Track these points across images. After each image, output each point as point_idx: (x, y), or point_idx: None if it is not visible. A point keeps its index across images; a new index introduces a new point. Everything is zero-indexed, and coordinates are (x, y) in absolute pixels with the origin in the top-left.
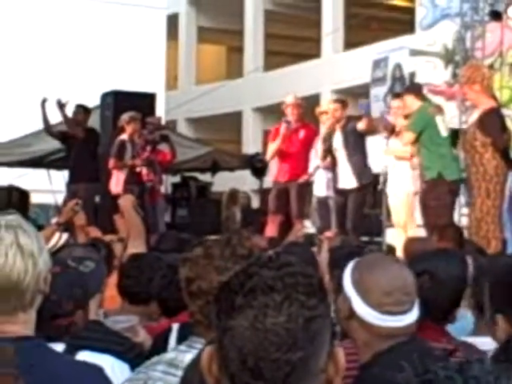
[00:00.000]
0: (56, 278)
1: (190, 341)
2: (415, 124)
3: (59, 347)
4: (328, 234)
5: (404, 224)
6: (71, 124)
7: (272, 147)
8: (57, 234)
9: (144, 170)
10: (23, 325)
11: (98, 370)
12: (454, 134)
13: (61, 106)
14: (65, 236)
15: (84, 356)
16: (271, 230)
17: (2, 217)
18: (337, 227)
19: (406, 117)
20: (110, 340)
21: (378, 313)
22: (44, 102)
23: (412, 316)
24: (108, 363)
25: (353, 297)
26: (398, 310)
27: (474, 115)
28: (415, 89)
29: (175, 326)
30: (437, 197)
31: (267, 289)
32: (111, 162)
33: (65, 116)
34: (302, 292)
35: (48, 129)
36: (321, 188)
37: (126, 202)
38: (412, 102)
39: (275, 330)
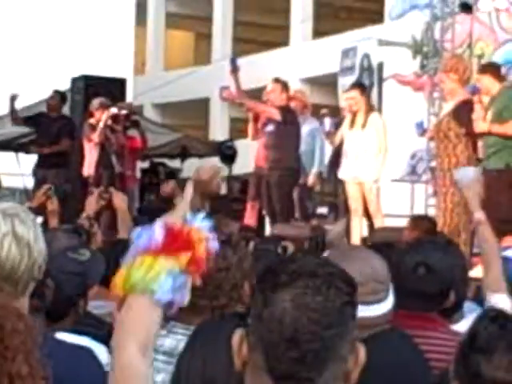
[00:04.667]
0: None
1: (169, 325)
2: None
3: None
4: None
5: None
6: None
7: None
8: None
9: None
10: None
11: (88, 352)
12: None
13: (12, 98)
14: (39, 220)
15: (61, 337)
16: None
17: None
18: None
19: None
20: (88, 323)
21: None
22: (14, 98)
23: (388, 304)
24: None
25: None
26: (373, 299)
27: (449, 105)
28: (494, 68)
29: None
30: (506, 189)
31: (310, 273)
32: (96, 136)
33: (12, 109)
34: (339, 279)
35: (14, 119)
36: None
37: (122, 204)
38: (491, 84)
39: (314, 307)
